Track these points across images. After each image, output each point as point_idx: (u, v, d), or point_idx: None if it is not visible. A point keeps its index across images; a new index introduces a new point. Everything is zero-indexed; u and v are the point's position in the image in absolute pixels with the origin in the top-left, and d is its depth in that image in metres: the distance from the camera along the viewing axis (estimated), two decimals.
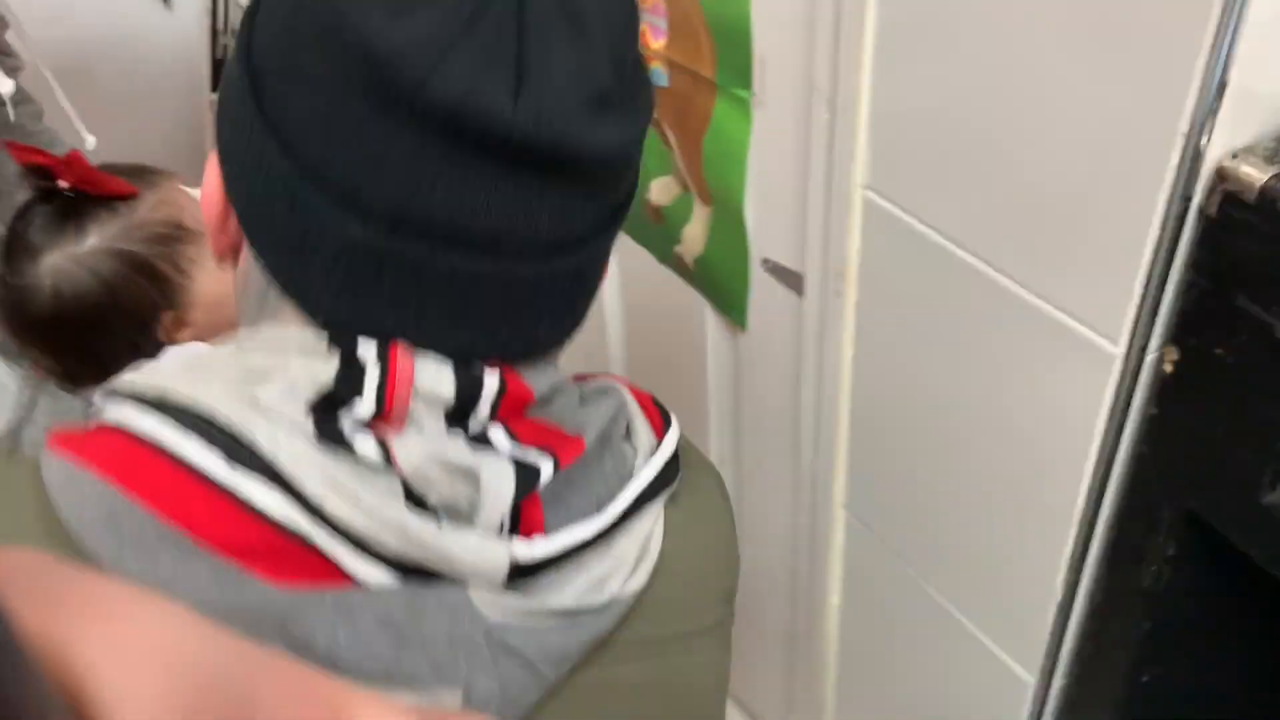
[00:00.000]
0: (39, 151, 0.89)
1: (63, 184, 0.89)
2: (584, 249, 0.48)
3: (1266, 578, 0.64)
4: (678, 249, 1.14)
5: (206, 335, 0.97)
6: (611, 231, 0.50)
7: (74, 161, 0.88)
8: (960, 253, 0.75)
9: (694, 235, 1.10)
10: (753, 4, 0.87)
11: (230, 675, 0.22)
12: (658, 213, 1.14)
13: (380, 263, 0.45)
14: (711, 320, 1.16)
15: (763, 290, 1.04)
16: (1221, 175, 0.59)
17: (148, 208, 0.92)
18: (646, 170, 1.11)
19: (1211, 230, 0.60)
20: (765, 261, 1.01)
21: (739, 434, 1.21)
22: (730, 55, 0.92)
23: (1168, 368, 0.66)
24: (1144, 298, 0.64)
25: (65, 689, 0.20)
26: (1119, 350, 0.67)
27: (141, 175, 0.95)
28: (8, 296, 0.90)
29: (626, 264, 1.26)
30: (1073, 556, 0.78)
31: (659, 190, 1.12)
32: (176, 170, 0.98)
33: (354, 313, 0.46)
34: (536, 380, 0.50)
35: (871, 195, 0.81)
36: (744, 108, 0.94)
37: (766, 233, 0.99)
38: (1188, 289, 0.63)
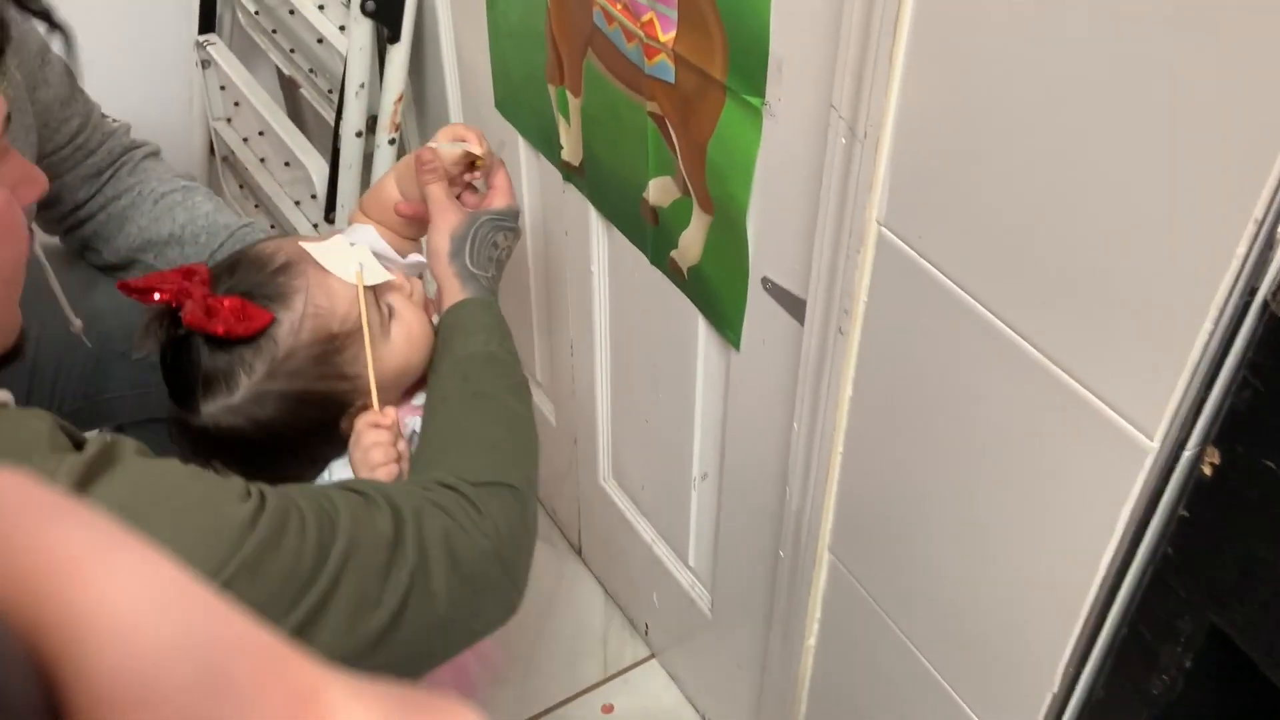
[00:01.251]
0: (151, 286, 0.79)
1: (188, 321, 0.79)
2: None
3: None
4: (673, 254, 1.05)
5: (397, 400, 0.92)
6: None
7: (193, 292, 0.78)
8: (981, 310, 0.67)
9: (691, 243, 1.02)
10: (774, 2, 0.78)
11: (204, 642, 0.20)
12: (654, 214, 1.05)
13: None
14: (704, 333, 1.08)
15: (761, 311, 0.96)
16: None
17: (290, 333, 0.82)
18: (646, 168, 1.03)
19: (1276, 330, 0.52)
20: (766, 281, 0.93)
21: (723, 451, 1.14)
22: (744, 56, 0.83)
23: (1206, 470, 0.58)
24: (1189, 393, 0.56)
25: (27, 650, 0.18)
26: (1154, 445, 0.59)
27: (270, 283, 0.83)
28: (181, 435, 0.84)
29: (618, 263, 1.17)
30: (1077, 649, 0.71)
31: (657, 191, 1.03)
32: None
33: None
34: None
35: (887, 233, 0.73)
36: (755, 116, 0.85)
37: (769, 251, 0.91)
38: (1240, 389, 0.55)
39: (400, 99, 1.40)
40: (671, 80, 0.93)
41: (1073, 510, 0.66)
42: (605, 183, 1.12)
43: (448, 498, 0.73)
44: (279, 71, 1.85)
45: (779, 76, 0.81)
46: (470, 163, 0.96)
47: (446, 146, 0.95)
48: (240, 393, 0.81)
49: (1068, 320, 0.62)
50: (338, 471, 0.89)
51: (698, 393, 1.13)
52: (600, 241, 1.20)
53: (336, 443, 0.87)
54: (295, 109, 1.92)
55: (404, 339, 0.89)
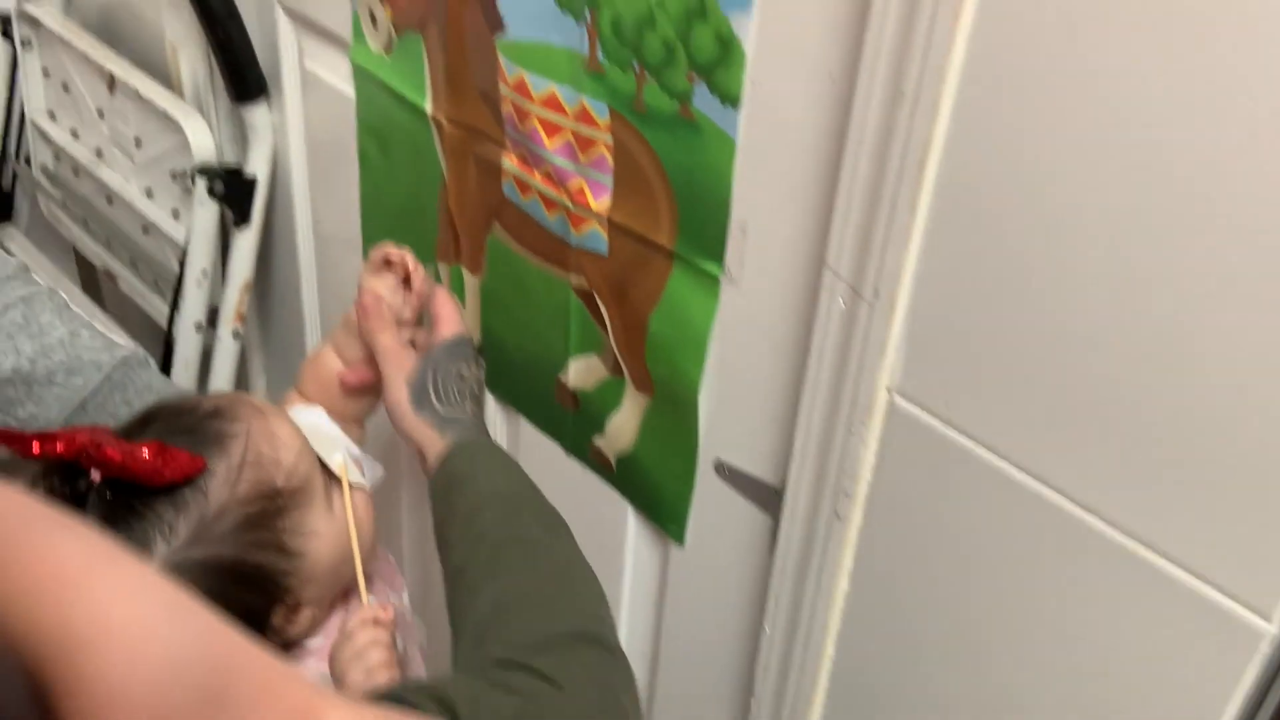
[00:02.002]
0: (45, 436, 0.59)
1: (95, 476, 0.61)
2: None
3: None
4: (597, 441, 0.95)
5: (324, 614, 0.76)
6: None
7: (100, 441, 0.59)
8: (1036, 485, 0.59)
9: (622, 428, 0.91)
10: (738, 159, 0.71)
11: (202, 661, 0.19)
12: (574, 398, 0.95)
13: None
14: (634, 527, 0.96)
15: (712, 501, 0.85)
16: None
17: (224, 484, 0.66)
18: (565, 348, 0.93)
19: None
20: (721, 466, 0.84)
21: (655, 665, 1.00)
22: (698, 220, 0.76)
23: None
24: None
25: (19, 662, 0.18)
26: (1272, 629, 0.52)
27: (201, 427, 0.67)
28: None
29: (524, 452, 1.05)
30: None
31: (579, 373, 0.93)
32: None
33: None
34: None
35: (903, 402, 0.65)
36: (709, 284, 0.77)
37: (725, 433, 0.82)
38: None
39: (247, 287, 1.25)
40: (604, 251, 0.84)
41: (1162, 707, 0.58)
42: (509, 367, 1.00)
43: (517, 680, 0.56)
44: (79, 264, 1.67)
45: (743, 239, 0.74)
46: (404, 281, 0.85)
47: (381, 282, 0.84)
48: (156, 558, 0.63)
49: (1154, 491, 0.55)
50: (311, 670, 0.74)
51: (624, 595, 1.00)
52: (498, 431, 1.07)
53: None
54: (102, 302, 1.72)
55: (343, 513, 0.77)
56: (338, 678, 0.71)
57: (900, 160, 0.58)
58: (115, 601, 0.19)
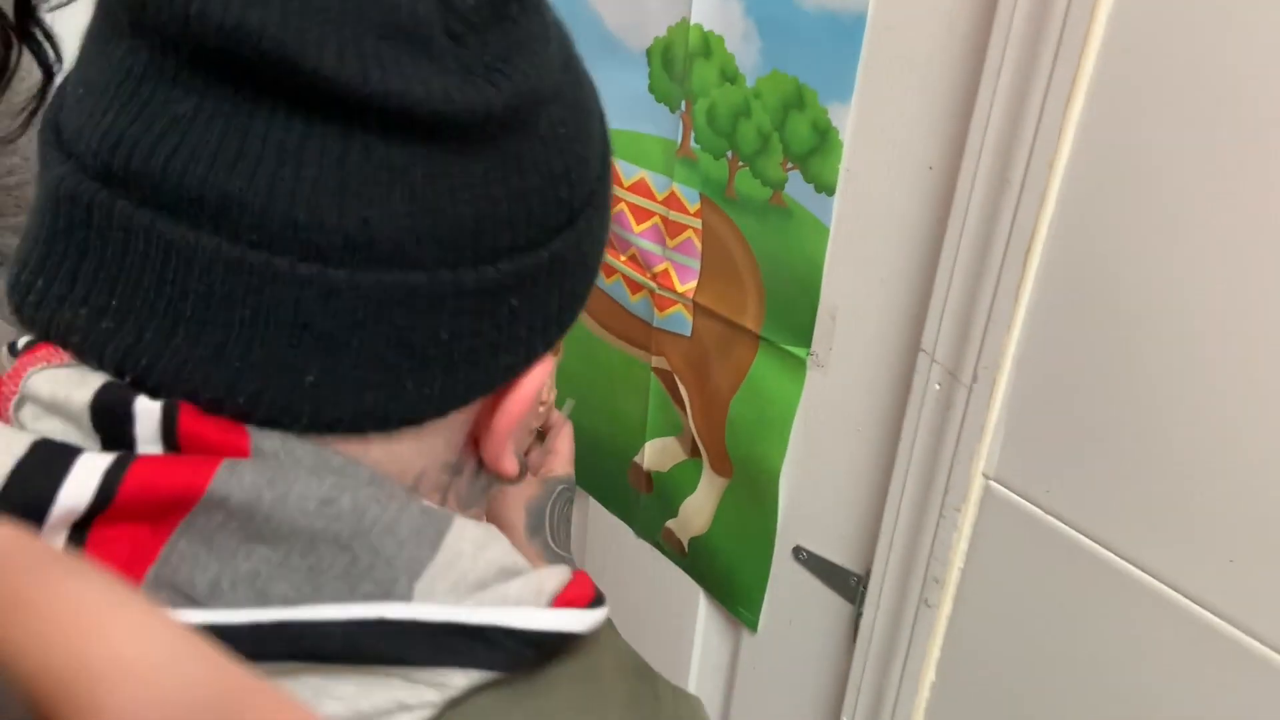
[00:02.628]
0: None
1: None
2: (439, 267, 0.31)
3: None
4: (670, 524, 0.94)
5: None
6: (523, 257, 0.33)
7: None
8: (1137, 573, 0.59)
9: (698, 511, 0.91)
10: (830, 246, 0.72)
11: (216, 699, 0.19)
12: (648, 480, 0.95)
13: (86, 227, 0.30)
14: (705, 612, 0.96)
15: (788, 587, 0.85)
16: None
17: None
18: (643, 430, 0.93)
19: None
20: (800, 552, 0.83)
21: None
22: (785, 304, 0.77)
23: None
24: None
25: (30, 703, 0.18)
26: None
27: None
28: None
29: (593, 536, 1.05)
30: None
31: (655, 454, 0.93)
32: None
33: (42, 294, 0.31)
34: (283, 474, 0.31)
35: (999, 488, 0.65)
36: (795, 367, 0.78)
37: (806, 519, 0.82)
38: None
39: None
40: (687, 333, 0.85)
41: None
42: (582, 448, 1.01)
43: None
44: None
45: (831, 324, 0.75)
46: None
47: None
48: None
49: (1252, 578, 0.54)
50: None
51: (691, 680, 0.99)
52: None
53: None
54: None
55: None
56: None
57: (1004, 247, 0.59)
58: (131, 640, 0.19)
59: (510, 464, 0.40)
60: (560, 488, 0.79)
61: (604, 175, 0.39)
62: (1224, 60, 0.49)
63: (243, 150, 0.29)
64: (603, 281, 0.91)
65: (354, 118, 0.29)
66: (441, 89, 0.30)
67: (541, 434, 0.84)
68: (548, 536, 0.76)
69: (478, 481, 0.41)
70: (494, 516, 0.77)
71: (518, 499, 0.77)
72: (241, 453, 0.31)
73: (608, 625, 0.39)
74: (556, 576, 0.35)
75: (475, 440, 0.39)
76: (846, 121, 0.68)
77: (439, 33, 0.31)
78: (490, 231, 0.33)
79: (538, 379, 0.38)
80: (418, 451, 0.36)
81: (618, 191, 0.85)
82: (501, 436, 0.38)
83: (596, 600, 0.37)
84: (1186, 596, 0.57)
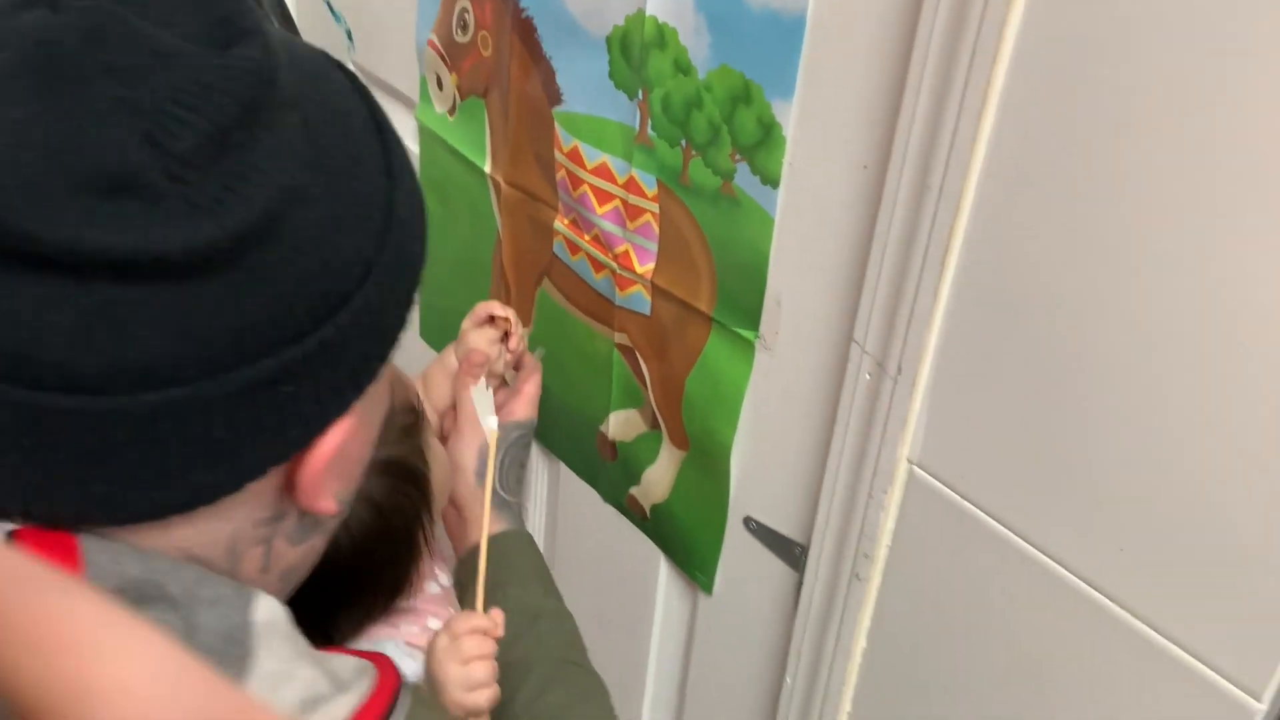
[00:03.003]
0: None
1: None
2: (199, 379, 0.35)
3: None
4: (633, 491, 0.99)
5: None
6: (288, 349, 0.37)
7: None
8: (1042, 558, 0.63)
9: (658, 480, 0.95)
10: (775, 236, 0.75)
11: (212, 716, 0.20)
12: (613, 449, 0.99)
13: None
14: (665, 574, 1.00)
15: (740, 554, 0.89)
16: None
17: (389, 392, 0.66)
18: (608, 401, 0.97)
19: None
20: (749, 522, 0.87)
21: (681, 706, 1.04)
22: (736, 289, 0.80)
23: None
24: None
25: (19, 711, 0.18)
26: (1262, 708, 0.55)
27: None
28: None
29: (563, 498, 1.10)
30: None
31: (619, 425, 0.97)
32: None
33: None
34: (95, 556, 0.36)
35: (922, 474, 0.68)
36: (745, 350, 0.81)
37: (756, 491, 0.86)
38: None
39: None
40: (646, 312, 0.89)
41: None
42: (554, 415, 1.05)
43: None
44: None
45: (777, 310, 0.78)
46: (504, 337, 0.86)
47: (483, 334, 0.85)
48: None
49: (1153, 569, 0.58)
50: (393, 653, 0.68)
51: (654, 638, 1.04)
52: (539, 476, 1.12)
53: (380, 598, 0.68)
54: None
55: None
56: (432, 674, 0.66)
57: (925, 248, 0.62)
58: (129, 661, 0.20)
59: (328, 504, 0.44)
60: (517, 434, 0.82)
61: (386, 242, 0.40)
62: (1127, 73, 0.52)
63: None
64: (569, 259, 0.94)
65: (84, 269, 0.33)
66: (162, 235, 0.33)
67: (505, 380, 0.86)
68: (496, 482, 0.79)
69: (304, 520, 0.45)
70: (449, 456, 0.79)
71: (471, 441, 0.80)
72: (72, 566, 0.36)
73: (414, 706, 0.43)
74: (349, 702, 0.39)
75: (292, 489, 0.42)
76: (790, 118, 0.71)
77: (158, 177, 0.33)
78: (247, 338, 0.35)
79: (337, 437, 0.40)
80: (224, 519, 0.40)
81: (581, 174, 0.88)
82: (309, 489, 0.41)
83: (390, 712, 0.40)
84: (1082, 579, 0.61)
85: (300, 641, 0.41)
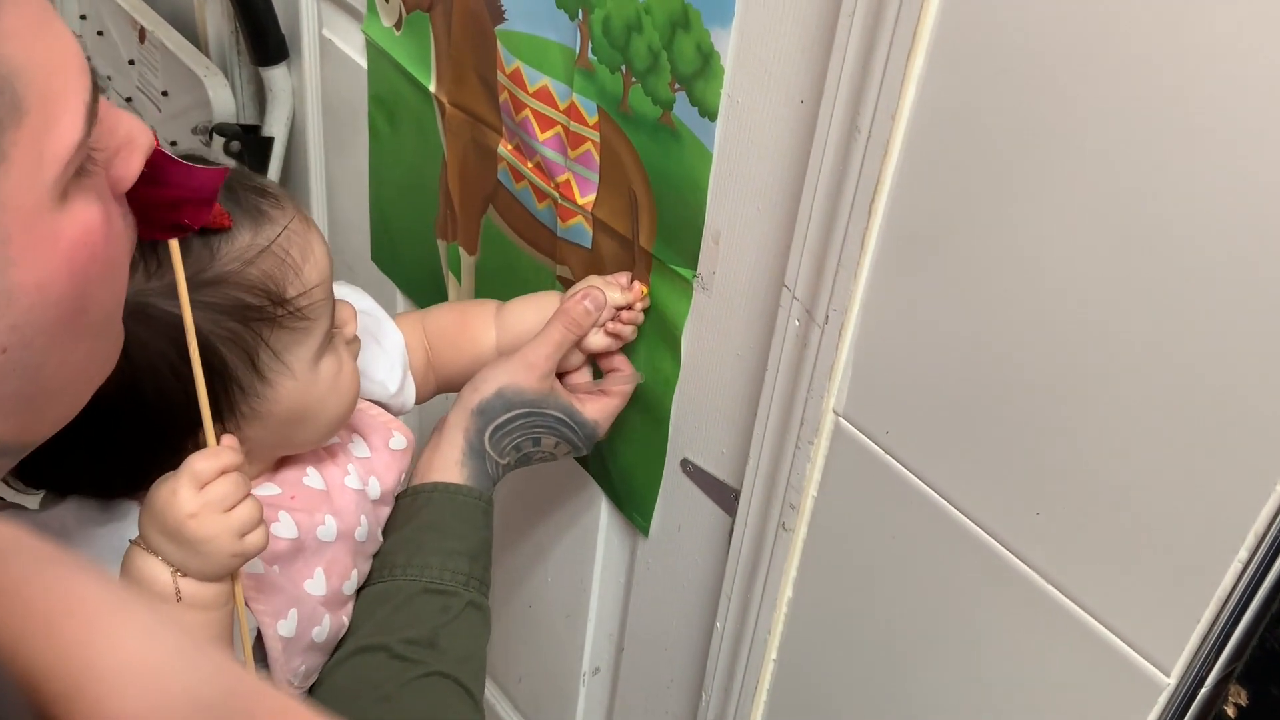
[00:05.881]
0: None
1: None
2: None
3: None
4: None
5: (262, 463, 0.68)
6: None
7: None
8: (960, 518, 0.61)
9: None
10: (714, 171, 0.72)
11: (218, 698, 0.20)
12: None
13: None
14: (606, 514, 0.99)
15: (678, 496, 0.87)
16: None
17: (237, 257, 0.59)
18: None
19: None
20: (686, 464, 0.85)
21: (621, 645, 1.03)
22: (675, 225, 0.77)
23: (1230, 710, 0.52)
24: (1216, 626, 0.51)
25: (33, 700, 0.18)
26: (1170, 682, 0.53)
27: (247, 194, 0.61)
28: None
29: None
30: None
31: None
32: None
33: None
34: None
35: (847, 426, 0.66)
36: (684, 288, 0.79)
37: (693, 433, 0.84)
38: (1275, 626, 0.49)
39: None
40: (588, 245, 0.86)
41: None
42: None
43: None
44: None
45: (715, 249, 0.75)
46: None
47: (613, 287, 0.80)
48: (138, 285, 0.56)
49: (1066, 535, 0.56)
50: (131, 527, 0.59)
51: (595, 579, 1.03)
52: None
53: (154, 471, 0.58)
54: None
55: (330, 378, 0.66)
56: (187, 535, 0.55)
57: (853, 193, 0.59)
58: (134, 641, 0.19)
59: None
60: (557, 415, 0.78)
61: None
62: (1064, 16, 0.48)
63: None
64: (513, 186, 0.91)
65: None
66: None
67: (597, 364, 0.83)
68: (487, 430, 0.76)
69: None
70: (474, 379, 0.78)
71: (501, 377, 0.77)
72: None
73: None
74: None
75: None
76: (729, 46, 0.67)
77: None
78: None
79: None
80: None
81: (523, 97, 0.84)
82: None
83: None
84: (998, 540, 0.59)
85: None
